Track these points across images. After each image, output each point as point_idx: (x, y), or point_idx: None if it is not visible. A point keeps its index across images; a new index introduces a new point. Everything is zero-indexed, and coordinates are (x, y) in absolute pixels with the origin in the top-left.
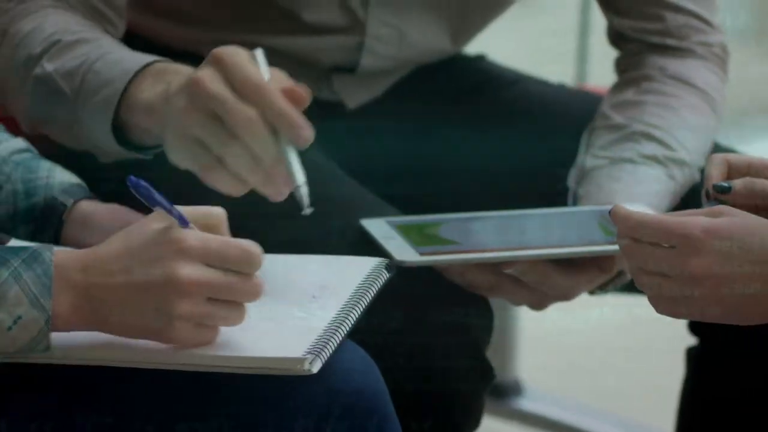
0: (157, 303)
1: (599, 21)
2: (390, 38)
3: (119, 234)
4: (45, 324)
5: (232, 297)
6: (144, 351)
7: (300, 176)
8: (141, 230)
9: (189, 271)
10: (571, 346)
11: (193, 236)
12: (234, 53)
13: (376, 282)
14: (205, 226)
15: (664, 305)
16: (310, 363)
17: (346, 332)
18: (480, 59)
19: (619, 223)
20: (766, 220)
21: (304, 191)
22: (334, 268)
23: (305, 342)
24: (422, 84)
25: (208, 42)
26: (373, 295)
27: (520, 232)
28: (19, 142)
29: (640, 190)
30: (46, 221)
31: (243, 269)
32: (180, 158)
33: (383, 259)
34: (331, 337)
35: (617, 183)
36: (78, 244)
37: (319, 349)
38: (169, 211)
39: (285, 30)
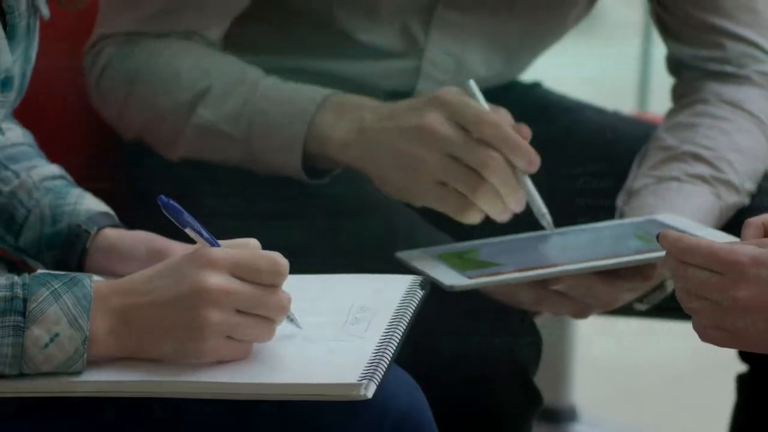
0: (187, 315)
1: (661, 51)
2: (446, 64)
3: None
4: (82, 344)
5: (260, 310)
6: (192, 381)
7: (542, 205)
8: (174, 257)
9: (216, 280)
10: (626, 371)
11: (219, 250)
12: (456, 95)
13: (414, 300)
14: None
15: (708, 333)
16: (366, 388)
17: (393, 354)
18: (536, 86)
19: (668, 246)
20: None
21: (548, 218)
22: (370, 287)
23: (357, 366)
24: None
25: (267, 69)
26: (412, 314)
27: (561, 249)
28: (54, 169)
29: (684, 208)
30: (70, 248)
31: (270, 280)
32: (413, 196)
33: (416, 276)
34: (381, 360)
35: (661, 200)
36: (102, 272)
37: (371, 373)
38: (199, 233)
39: (343, 55)
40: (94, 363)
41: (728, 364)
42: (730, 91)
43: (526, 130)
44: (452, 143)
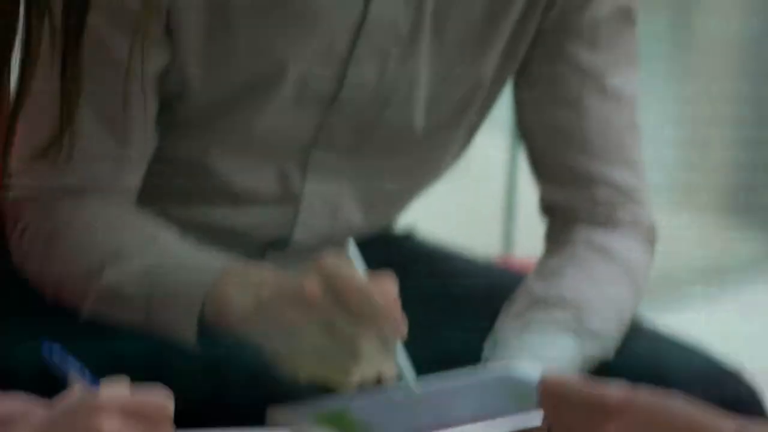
0: None
1: (527, 193)
2: (323, 212)
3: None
4: None
5: None
6: None
7: (410, 371)
8: (58, 406)
9: (110, 424)
10: None
11: (105, 393)
12: (333, 261)
13: None
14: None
15: None
16: None
17: None
18: (409, 237)
19: (544, 391)
20: (687, 405)
21: (416, 386)
22: None
23: None
24: None
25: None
26: None
27: (439, 411)
28: None
29: (545, 355)
30: None
31: (158, 420)
32: (297, 367)
33: (294, 428)
34: None
35: (523, 347)
36: None
37: None
38: (81, 376)
39: (218, 201)
40: None
41: None
42: (599, 237)
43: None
44: (325, 312)
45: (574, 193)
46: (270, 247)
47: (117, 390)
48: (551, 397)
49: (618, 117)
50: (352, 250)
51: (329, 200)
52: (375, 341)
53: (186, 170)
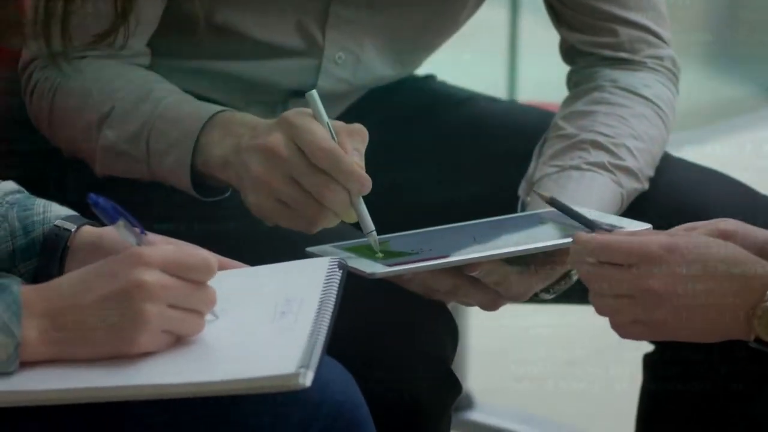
0: (123, 310)
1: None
2: (346, 62)
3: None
4: (14, 350)
5: (192, 304)
6: (138, 385)
7: (371, 224)
8: (102, 260)
9: (152, 276)
10: (522, 357)
11: (150, 249)
12: (300, 117)
13: (336, 284)
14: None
15: (626, 329)
16: (304, 377)
17: (325, 342)
18: (430, 79)
19: (580, 247)
20: (721, 240)
21: (374, 236)
22: (290, 276)
23: (292, 357)
24: (376, 106)
25: (167, 69)
26: (336, 298)
27: (473, 238)
28: (11, 184)
29: (586, 196)
30: (50, 251)
31: (199, 277)
32: (264, 216)
33: (332, 258)
34: (314, 347)
35: (562, 189)
36: None
37: (307, 362)
38: (131, 224)
39: (242, 54)
40: (27, 368)
41: (620, 347)
42: (625, 77)
43: (362, 131)
44: (291, 166)
45: (596, 37)
46: (294, 95)
47: (162, 245)
48: (588, 253)
49: None
50: (312, 101)
51: (351, 51)
52: (336, 198)
53: (211, 27)
